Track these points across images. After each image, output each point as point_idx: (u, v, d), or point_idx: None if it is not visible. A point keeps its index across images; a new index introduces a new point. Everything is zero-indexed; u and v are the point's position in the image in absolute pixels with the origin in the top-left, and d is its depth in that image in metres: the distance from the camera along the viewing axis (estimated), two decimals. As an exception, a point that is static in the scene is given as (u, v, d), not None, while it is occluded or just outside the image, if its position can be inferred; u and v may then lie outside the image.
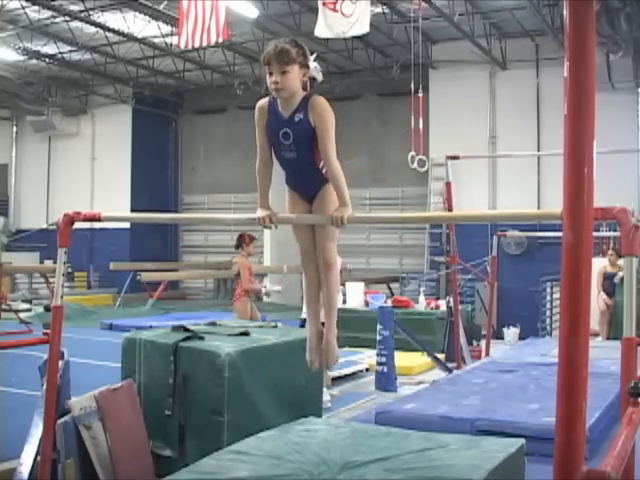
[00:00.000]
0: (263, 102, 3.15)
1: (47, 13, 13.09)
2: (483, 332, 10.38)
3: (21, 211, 20.21)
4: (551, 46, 13.15)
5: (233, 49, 15.13)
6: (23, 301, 14.55)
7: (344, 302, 10.97)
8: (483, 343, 9.75)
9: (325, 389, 7.03)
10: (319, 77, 3.15)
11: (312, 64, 3.11)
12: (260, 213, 3.17)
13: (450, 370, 8.01)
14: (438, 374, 8.13)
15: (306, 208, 3.28)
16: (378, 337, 7.83)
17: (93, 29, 13.93)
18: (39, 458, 3.65)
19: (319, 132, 3.03)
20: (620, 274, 10.18)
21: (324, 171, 3.13)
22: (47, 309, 12.75)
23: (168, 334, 4.72)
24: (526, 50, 14.21)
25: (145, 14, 13.27)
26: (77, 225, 3.69)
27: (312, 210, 3.25)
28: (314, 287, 3.40)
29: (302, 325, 6.97)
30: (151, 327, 7.70)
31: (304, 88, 3.12)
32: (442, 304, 10.55)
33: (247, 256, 7.88)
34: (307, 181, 3.20)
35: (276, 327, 5.45)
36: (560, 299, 1.55)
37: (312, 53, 3.16)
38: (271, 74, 3.01)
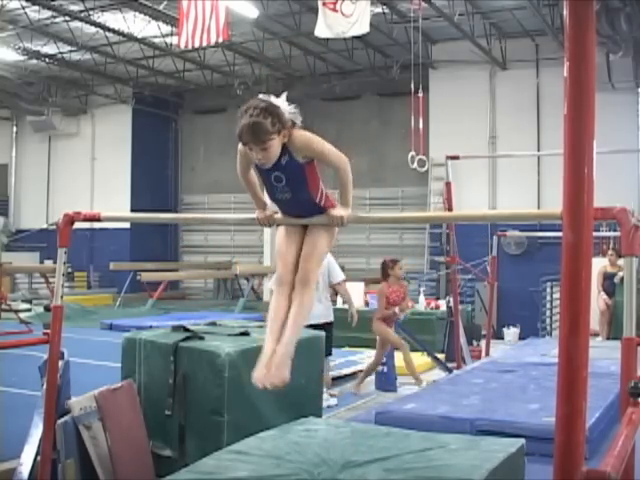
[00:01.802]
0: (244, 149, 3.00)
1: (47, 13, 13.10)
2: (483, 332, 10.38)
3: (21, 211, 20.22)
4: (551, 46, 13.16)
5: (233, 49, 15.14)
6: (23, 301, 14.55)
7: (344, 302, 10.95)
8: (483, 343, 9.74)
9: (325, 389, 7.02)
10: (298, 120, 2.99)
11: (287, 110, 2.93)
12: (259, 214, 3.17)
13: (450, 370, 8.01)
14: (438, 374, 8.13)
15: (300, 233, 3.21)
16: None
17: (93, 29, 13.93)
18: (39, 458, 3.66)
19: (317, 159, 2.99)
20: (620, 274, 10.18)
21: (322, 203, 3.09)
22: (47, 309, 12.74)
23: (168, 334, 4.72)
24: (526, 50, 14.22)
25: (145, 14, 13.27)
26: (77, 225, 3.69)
27: (306, 233, 3.19)
28: (284, 305, 3.13)
29: None
30: (151, 327, 7.69)
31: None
32: (442, 304, 10.55)
33: (397, 279, 7.76)
34: (304, 213, 3.14)
35: (276, 327, 5.43)
36: (560, 299, 1.55)
37: (280, 95, 2.99)
38: (251, 149, 2.90)
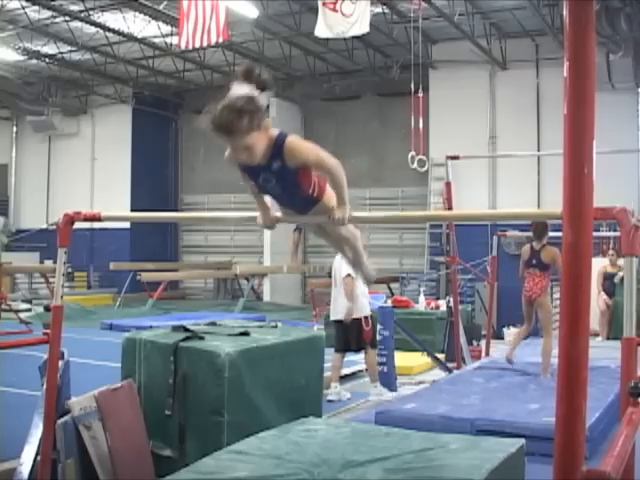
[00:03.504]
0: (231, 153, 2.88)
1: (47, 13, 13.10)
2: (483, 332, 10.37)
3: (21, 211, 20.21)
4: (551, 46, 13.16)
5: (233, 49, 15.14)
6: (23, 301, 14.55)
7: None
8: (483, 343, 9.74)
9: (337, 384, 7.09)
10: (266, 101, 2.81)
11: (261, 99, 2.74)
12: (260, 219, 3.14)
13: (450, 370, 8.01)
14: (438, 374, 8.12)
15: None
16: (378, 337, 7.82)
17: (93, 29, 13.93)
18: (39, 458, 3.66)
19: (308, 164, 2.91)
20: (620, 274, 10.19)
21: (315, 194, 3.03)
22: (47, 309, 12.74)
23: (168, 334, 4.72)
24: (526, 50, 14.22)
25: (145, 14, 13.28)
26: (77, 225, 3.68)
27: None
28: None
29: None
30: (151, 327, 7.69)
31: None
32: (442, 304, 10.54)
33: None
34: (297, 205, 3.12)
35: (276, 327, 5.44)
36: (560, 299, 1.55)
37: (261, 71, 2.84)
38: (233, 149, 2.78)
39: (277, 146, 2.81)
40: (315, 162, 2.90)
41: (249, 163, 2.82)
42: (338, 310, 7.30)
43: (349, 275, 7.04)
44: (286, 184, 2.93)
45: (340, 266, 7.19)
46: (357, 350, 7.45)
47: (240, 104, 2.65)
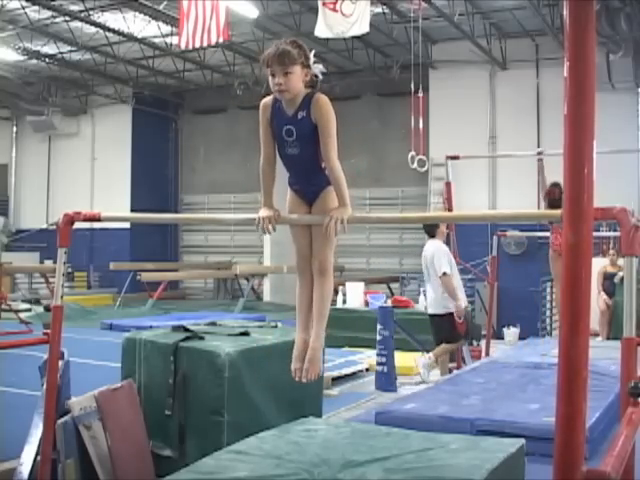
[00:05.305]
0: (267, 100, 3.15)
1: (47, 13, 13.10)
2: (483, 332, 10.37)
3: (21, 211, 20.21)
4: (551, 46, 13.16)
5: (233, 49, 15.14)
6: (23, 301, 14.54)
7: (344, 302, 10.98)
8: (483, 343, 9.74)
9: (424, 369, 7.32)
10: (320, 75, 3.15)
11: (315, 67, 3.12)
12: (263, 212, 3.13)
13: (450, 370, 8.00)
14: (438, 374, 8.12)
15: (306, 211, 3.25)
16: (378, 337, 7.82)
17: (93, 29, 13.93)
18: (39, 458, 3.66)
19: (320, 130, 3.04)
20: (620, 274, 10.18)
21: (327, 171, 3.11)
22: (47, 309, 12.75)
23: (168, 334, 4.72)
24: (526, 50, 14.22)
25: (145, 14, 13.27)
26: (77, 225, 3.69)
27: (312, 211, 3.21)
28: (307, 293, 3.28)
29: None
30: (151, 327, 7.69)
31: (311, 87, 3.12)
32: (442, 304, 10.52)
33: None
34: (309, 180, 3.18)
35: (276, 327, 5.45)
36: (560, 299, 1.55)
37: (311, 50, 3.15)
38: (274, 76, 3.01)
39: (310, 96, 3.08)
40: (327, 132, 3.03)
41: (281, 97, 3.04)
42: (430, 304, 7.50)
43: (445, 274, 7.10)
44: (304, 144, 3.07)
45: (432, 261, 7.25)
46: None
47: (300, 43, 3.08)
